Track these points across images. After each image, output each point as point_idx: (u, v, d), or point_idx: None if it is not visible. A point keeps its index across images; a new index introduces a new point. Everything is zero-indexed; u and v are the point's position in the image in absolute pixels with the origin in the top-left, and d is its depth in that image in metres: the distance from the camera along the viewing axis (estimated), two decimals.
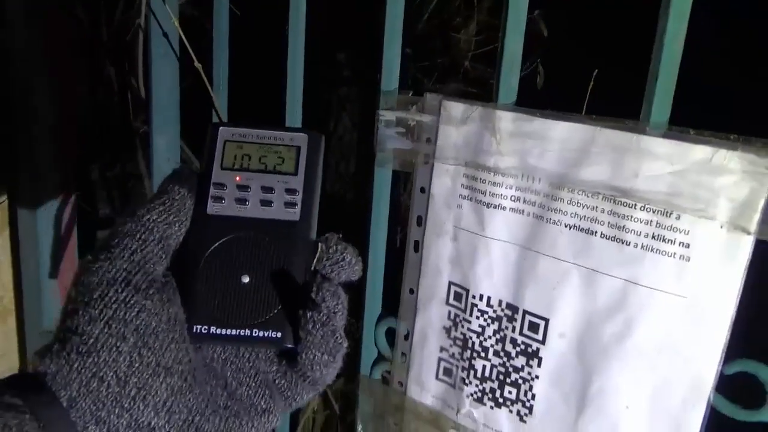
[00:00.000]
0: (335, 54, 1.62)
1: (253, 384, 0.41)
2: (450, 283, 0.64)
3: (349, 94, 1.66)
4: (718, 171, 0.49)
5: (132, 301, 0.36)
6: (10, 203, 0.94)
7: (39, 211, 0.92)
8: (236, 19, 0.78)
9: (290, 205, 0.41)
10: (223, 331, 0.39)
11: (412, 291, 0.67)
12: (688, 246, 0.51)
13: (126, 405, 0.35)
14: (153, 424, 0.35)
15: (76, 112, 0.97)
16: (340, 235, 0.42)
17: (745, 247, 0.49)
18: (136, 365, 0.35)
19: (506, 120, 0.58)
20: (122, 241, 0.37)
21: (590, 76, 0.74)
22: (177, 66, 0.83)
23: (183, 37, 0.72)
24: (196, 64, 0.71)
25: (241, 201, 0.41)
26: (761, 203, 0.48)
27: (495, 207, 0.60)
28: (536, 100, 0.58)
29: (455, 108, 0.61)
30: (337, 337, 0.39)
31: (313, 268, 0.40)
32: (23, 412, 0.33)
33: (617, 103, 0.54)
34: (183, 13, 0.82)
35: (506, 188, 0.59)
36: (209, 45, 0.78)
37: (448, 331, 0.65)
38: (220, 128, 0.43)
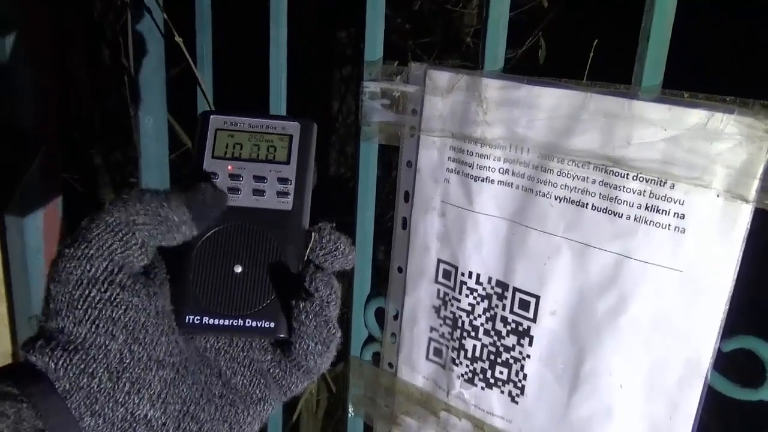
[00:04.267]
0: (337, 33, 1.59)
1: (248, 373, 0.40)
2: (438, 261, 0.62)
3: (353, 75, 1.63)
4: (714, 136, 0.46)
5: (118, 300, 0.34)
6: None
7: (23, 194, 0.91)
8: None
9: (283, 194, 0.41)
10: (216, 322, 0.38)
11: (400, 269, 0.65)
12: (683, 217, 0.48)
13: (120, 399, 0.34)
14: (149, 416, 0.35)
15: (60, 92, 0.95)
16: (333, 224, 0.41)
17: (743, 216, 0.46)
18: (128, 361, 0.34)
19: (493, 88, 0.55)
20: (102, 237, 0.35)
21: (594, 49, 0.71)
22: (162, 43, 0.80)
23: (163, 12, 0.70)
24: (177, 38, 0.69)
25: (234, 190, 0.41)
26: (760, 169, 0.45)
27: (483, 180, 0.57)
28: (539, 76, 0.55)
29: (440, 77, 0.58)
30: (330, 327, 0.39)
31: (306, 257, 0.40)
32: (20, 401, 0.32)
33: (622, 76, 0.51)
34: None
35: (494, 160, 0.56)
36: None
37: (437, 310, 0.63)
38: (211, 116, 0.42)
